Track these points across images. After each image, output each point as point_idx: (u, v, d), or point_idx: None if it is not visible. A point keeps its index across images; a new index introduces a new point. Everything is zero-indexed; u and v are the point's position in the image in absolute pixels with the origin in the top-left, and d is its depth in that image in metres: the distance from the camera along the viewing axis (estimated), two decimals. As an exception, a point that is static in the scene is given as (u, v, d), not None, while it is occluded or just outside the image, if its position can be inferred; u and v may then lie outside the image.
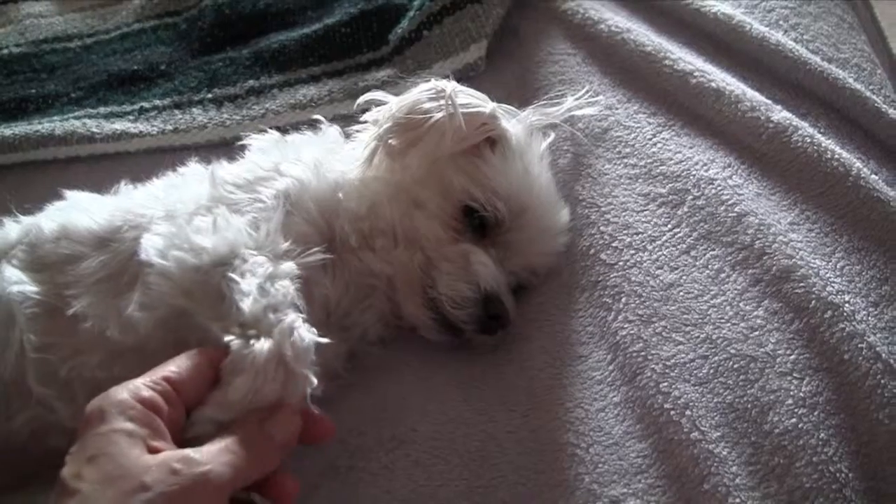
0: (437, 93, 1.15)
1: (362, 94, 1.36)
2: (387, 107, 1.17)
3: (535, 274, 1.19)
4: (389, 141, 1.14)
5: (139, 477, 0.83)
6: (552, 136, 1.25)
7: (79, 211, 1.17)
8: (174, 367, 0.93)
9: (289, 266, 1.02)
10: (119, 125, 1.50)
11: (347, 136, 1.24)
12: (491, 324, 1.13)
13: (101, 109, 1.55)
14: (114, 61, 1.65)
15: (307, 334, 0.96)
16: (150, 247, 1.04)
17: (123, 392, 0.89)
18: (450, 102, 1.13)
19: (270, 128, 1.38)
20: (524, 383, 1.12)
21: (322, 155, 1.17)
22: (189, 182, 1.17)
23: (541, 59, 1.45)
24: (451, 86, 1.16)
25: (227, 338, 0.95)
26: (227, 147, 1.42)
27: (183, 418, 0.92)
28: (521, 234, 1.16)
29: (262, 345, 0.94)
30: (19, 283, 1.11)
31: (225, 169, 1.14)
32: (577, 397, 1.09)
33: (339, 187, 1.15)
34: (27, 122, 1.53)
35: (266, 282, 0.99)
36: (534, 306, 1.20)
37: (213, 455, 0.86)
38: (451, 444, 1.08)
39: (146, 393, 0.90)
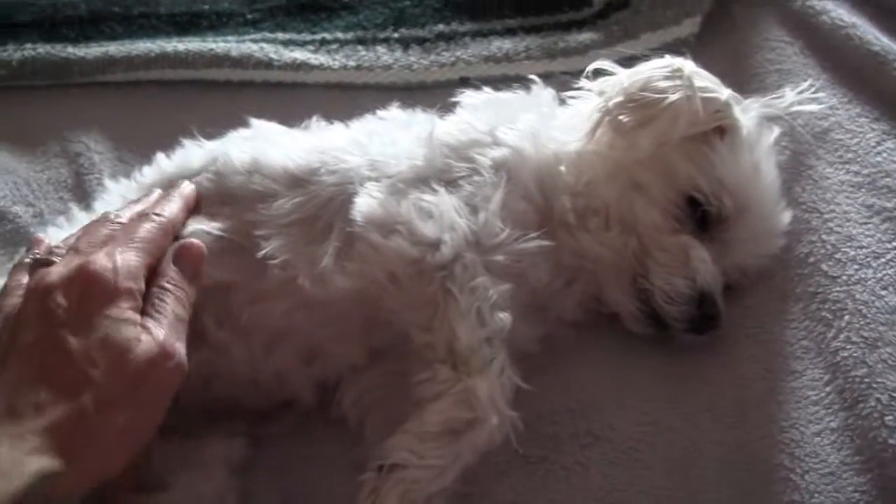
0: (674, 71, 1.07)
1: (561, 54, 1.31)
2: (616, 79, 1.09)
3: (745, 275, 1.12)
4: (619, 117, 1.05)
5: None
6: (776, 130, 1.15)
7: (271, 145, 1.10)
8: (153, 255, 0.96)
9: (508, 290, 0.98)
10: (298, 54, 1.44)
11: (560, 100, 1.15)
12: (704, 324, 1.06)
13: (280, 35, 1.48)
14: (294, -15, 1.57)
15: (514, 377, 0.96)
16: (366, 212, 0.99)
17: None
18: (688, 84, 1.04)
19: (460, 78, 1.33)
20: (732, 392, 1.06)
21: (539, 121, 1.09)
22: (394, 131, 1.10)
23: (756, 44, 1.36)
24: (688, 66, 1.07)
25: (437, 365, 0.95)
26: (410, 91, 1.36)
27: None
28: (741, 232, 1.09)
29: (476, 383, 0.93)
30: (200, 220, 1.06)
31: (441, 128, 1.07)
32: (791, 417, 1.02)
33: (560, 160, 1.08)
34: (200, 39, 1.47)
35: (486, 308, 0.96)
36: (743, 310, 1.12)
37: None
38: (651, 448, 1.02)
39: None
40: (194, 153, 1.14)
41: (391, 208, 0.98)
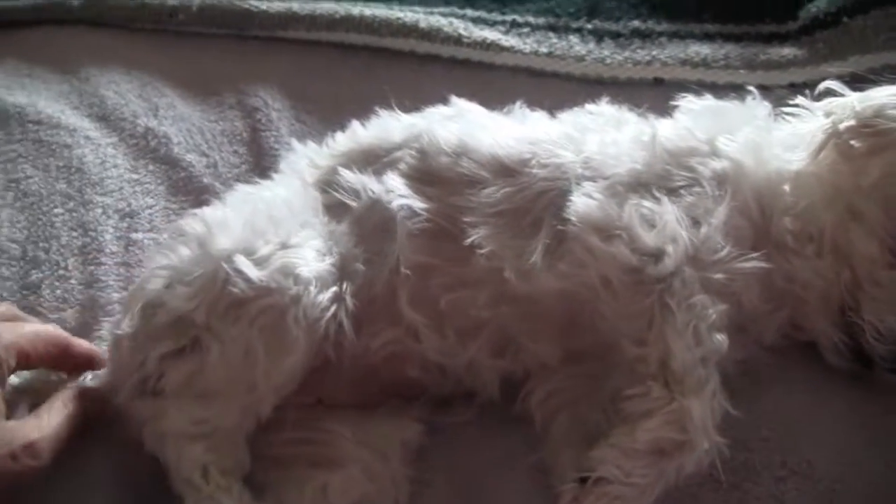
0: None
1: (761, 66, 1.28)
2: (846, 102, 1.06)
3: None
4: (849, 141, 1.01)
5: None
6: None
7: (478, 128, 1.07)
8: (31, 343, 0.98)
9: (725, 311, 0.95)
10: (489, 33, 1.41)
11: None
12: (913, 365, 1.01)
13: (469, 12, 1.46)
14: (485, -37, 1.54)
15: (724, 401, 0.93)
16: (583, 212, 0.97)
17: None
18: None
19: (654, 78, 1.29)
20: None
21: (759, 135, 1.05)
22: (607, 129, 1.06)
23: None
24: (927, 98, 1.02)
25: (650, 382, 0.92)
26: (602, 85, 1.33)
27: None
28: None
29: (690, 404, 0.90)
30: (407, 196, 1.03)
31: (662, 132, 1.03)
32: None
33: (782, 178, 1.04)
34: (386, 6, 1.45)
35: (703, 327, 0.93)
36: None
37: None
38: (850, 491, 0.98)
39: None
40: (393, 125, 1.11)
41: (611, 212, 0.96)
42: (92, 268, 1.21)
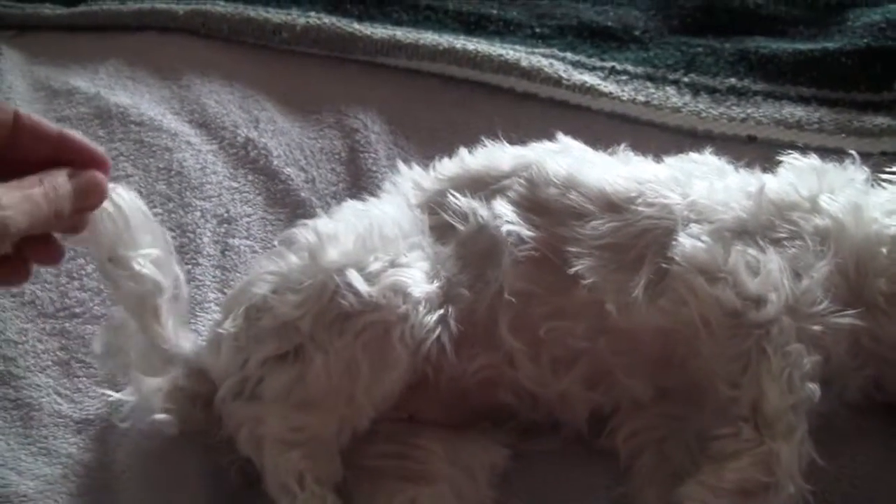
0: None
1: (854, 133, 1.32)
2: None
3: None
4: None
5: None
6: None
7: (587, 164, 1.10)
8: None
9: (819, 362, 0.97)
10: (588, 78, 1.44)
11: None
12: None
13: (569, 55, 1.49)
14: (585, 9, 1.60)
15: (811, 449, 0.95)
16: (690, 254, 0.99)
17: None
18: None
19: (748, 136, 1.32)
20: None
21: (859, 198, 1.07)
22: (711, 177, 1.08)
23: None
24: None
25: (741, 424, 0.94)
26: (695, 138, 1.35)
27: None
28: None
29: (779, 448, 0.92)
30: (515, 223, 1.05)
31: (769, 185, 1.05)
32: None
33: (880, 240, 1.06)
34: (488, 42, 1.48)
35: (797, 375, 0.95)
36: None
37: (15, 201, 0.75)
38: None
39: None
40: (501, 155, 1.13)
41: (717, 256, 0.98)
42: (189, 267, 1.24)
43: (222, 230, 1.29)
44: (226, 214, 1.31)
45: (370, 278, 0.99)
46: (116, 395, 1.07)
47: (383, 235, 1.03)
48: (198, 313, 1.19)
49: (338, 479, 1.01)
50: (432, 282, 1.01)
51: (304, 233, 1.07)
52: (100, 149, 0.84)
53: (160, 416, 1.03)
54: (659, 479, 1.01)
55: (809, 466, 0.96)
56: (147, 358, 1.04)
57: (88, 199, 0.83)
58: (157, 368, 1.04)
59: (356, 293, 0.98)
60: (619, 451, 1.05)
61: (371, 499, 1.01)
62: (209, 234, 1.29)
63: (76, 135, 0.83)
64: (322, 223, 1.08)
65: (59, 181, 0.79)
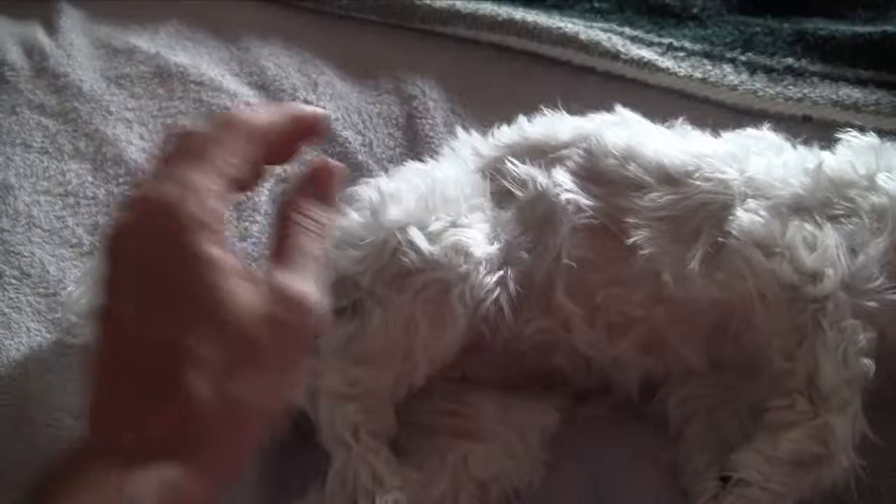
0: None
1: (910, 113, 1.29)
2: None
3: None
4: None
5: None
6: None
7: (646, 136, 1.11)
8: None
9: (874, 338, 0.98)
10: (646, 53, 1.45)
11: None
12: None
13: (627, 30, 1.49)
14: (644, -15, 1.58)
15: (865, 425, 0.96)
16: (748, 228, 1.00)
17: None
18: None
19: (803, 116, 1.32)
20: None
21: (917, 177, 1.08)
22: (769, 153, 1.09)
23: None
24: None
25: (796, 395, 0.96)
26: (750, 116, 1.36)
27: None
28: None
29: (834, 421, 0.94)
30: (574, 192, 1.07)
31: (827, 162, 1.07)
32: None
33: None
34: (547, 15, 1.49)
35: (852, 350, 0.96)
36: None
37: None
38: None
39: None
40: (560, 125, 1.15)
41: (775, 230, 0.99)
42: (247, 224, 1.26)
43: (279, 189, 1.31)
44: (283, 174, 1.32)
45: (431, 237, 1.01)
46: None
47: (445, 196, 1.05)
48: (253, 270, 1.20)
49: (392, 434, 1.02)
50: (492, 243, 1.02)
51: (366, 191, 1.08)
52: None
53: None
54: (709, 445, 1.03)
55: (861, 441, 0.97)
56: None
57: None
58: None
59: (417, 251, 0.99)
60: (670, 417, 1.07)
61: (424, 454, 1.03)
62: (266, 192, 1.30)
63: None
64: (384, 182, 1.10)
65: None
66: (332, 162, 0.71)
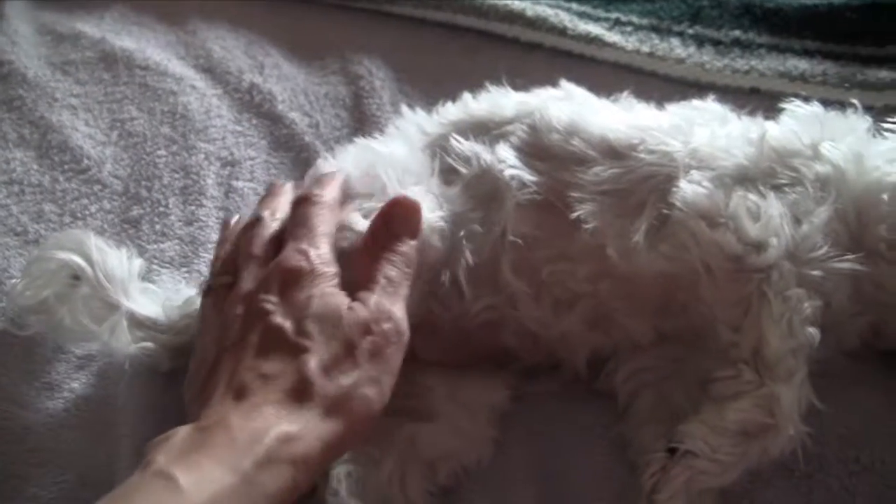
0: None
1: (858, 86, 1.32)
2: None
3: None
4: None
5: None
6: None
7: (589, 111, 1.10)
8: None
9: (819, 307, 0.98)
10: (593, 28, 1.44)
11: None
12: None
13: (574, 6, 1.48)
14: (590, -40, 1.57)
15: (811, 394, 0.96)
16: (691, 199, 1.00)
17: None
18: None
19: (751, 88, 1.32)
20: None
21: (861, 146, 1.08)
22: (713, 124, 1.09)
23: None
24: None
25: (741, 366, 0.96)
26: (698, 89, 1.36)
27: None
28: None
29: (780, 390, 0.94)
30: (517, 168, 1.06)
31: (770, 132, 1.06)
32: None
33: (881, 188, 1.06)
34: (490, -8, 1.47)
35: (797, 319, 0.96)
36: None
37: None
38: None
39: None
40: (504, 101, 1.14)
41: (718, 201, 0.98)
42: (193, 208, 1.26)
43: (226, 172, 1.30)
44: (230, 157, 1.32)
45: (369, 214, 1.00)
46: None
47: (387, 172, 1.04)
48: (201, 253, 1.19)
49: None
50: (434, 212, 1.02)
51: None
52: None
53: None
54: (657, 418, 1.02)
55: (808, 410, 0.97)
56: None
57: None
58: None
59: (357, 233, 0.99)
60: (618, 391, 1.06)
61: (372, 434, 1.01)
62: (213, 176, 1.30)
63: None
64: (321, 163, 1.10)
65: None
66: (409, 198, 0.95)
